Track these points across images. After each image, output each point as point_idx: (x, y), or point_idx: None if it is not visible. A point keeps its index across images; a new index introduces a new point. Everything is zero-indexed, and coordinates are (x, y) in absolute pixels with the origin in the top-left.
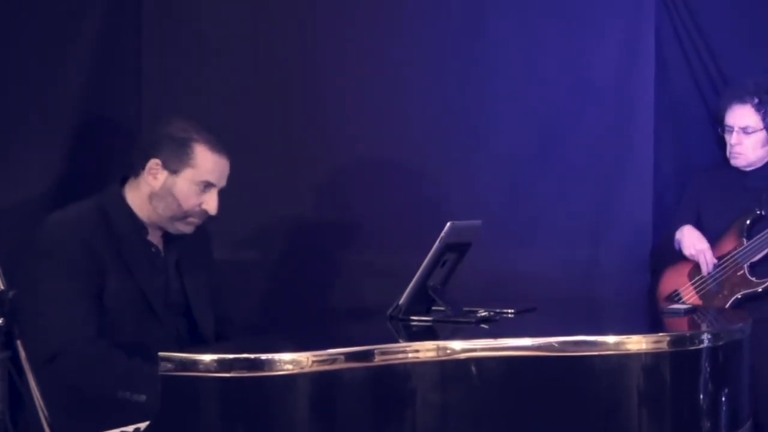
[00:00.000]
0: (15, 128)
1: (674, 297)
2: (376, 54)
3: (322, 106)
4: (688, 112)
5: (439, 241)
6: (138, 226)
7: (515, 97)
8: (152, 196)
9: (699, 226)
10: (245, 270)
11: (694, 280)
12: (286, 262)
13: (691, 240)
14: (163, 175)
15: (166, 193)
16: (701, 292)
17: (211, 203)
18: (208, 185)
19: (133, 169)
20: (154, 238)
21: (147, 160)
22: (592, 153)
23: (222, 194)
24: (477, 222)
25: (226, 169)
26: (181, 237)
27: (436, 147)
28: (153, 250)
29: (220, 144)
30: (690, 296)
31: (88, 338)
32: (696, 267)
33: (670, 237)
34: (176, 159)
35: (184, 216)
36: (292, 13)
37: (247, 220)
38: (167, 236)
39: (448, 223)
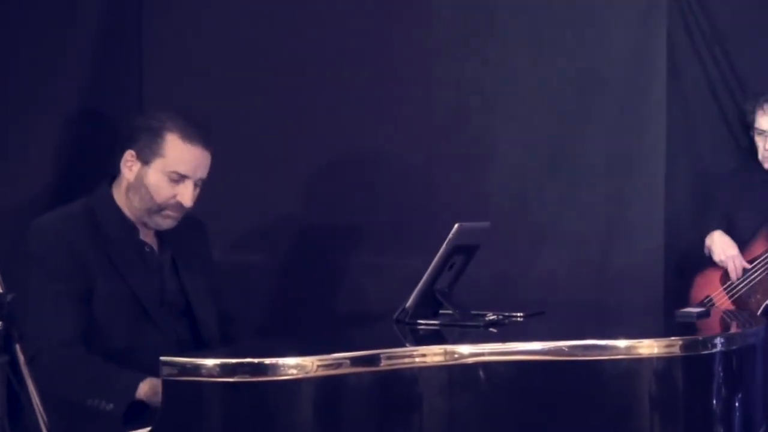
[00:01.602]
0: (14, 128)
1: (706, 302)
2: (383, 53)
3: (329, 107)
4: (701, 111)
5: (447, 243)
6: (128, 225)
7: (524, 96)
8: (129, 189)
9: (730, 229)
10: (249, 272)
11: (725, 285)
12: (291, 264)
13: (721, 246)
14: (137, 167)
15: (140, 184)
16: (733, 297)
17: (185, 195)
18: (180, 176)
19: (116, 166)
20: (147, 236)
21: (123, 152)
22: (603, 153)
23: (226, 195)
24: (485, 223)
25: (201, 160)
26: (176, 234)
27: (444, 147)
28: (147, 249)
29: (195, 134)
30: (722, 301)
31: (64, 343)
32: (727, 272)
33: (702, 239)
34: (148, 149)
35: (159, 209)
36: (297, 9)
37: (251, 221)
38: (161, 234)
39: (456, 225)
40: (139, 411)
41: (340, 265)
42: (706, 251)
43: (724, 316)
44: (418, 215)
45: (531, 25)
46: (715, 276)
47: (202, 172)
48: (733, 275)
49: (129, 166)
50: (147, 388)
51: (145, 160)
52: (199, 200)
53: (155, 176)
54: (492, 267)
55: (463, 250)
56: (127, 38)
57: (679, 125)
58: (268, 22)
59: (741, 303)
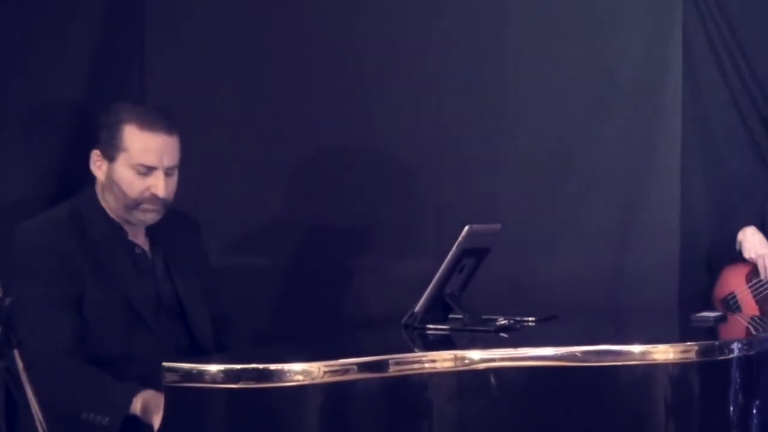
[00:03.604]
0: (13, 128)
1: (730, 299)
2: (390, 51)
3: (334, 106)
4: (717, 111)
5: (457, 245)
6: (116, 227)
7: (536, 96)
8: (103, 189)
9: (764, 228)
10: (253, 276)
11: (752, 283)
12: (296, 268)
13: (752, 243)
14: (104, 165)
15: (111, 183)
16: (759, 296)
17: (157, 186)
18: (147, 168)
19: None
20: (138, 238)
21: (91, 153)
22: (617, 154)
23: (230, 196)
24: (496, 226)
25: (165, 147)
26: (167, 233)
27: (454, 147)
28: (138, 251)
29: (154, 120)
30: (746, 299)
31: (59, 352)
32: (755, 269)
33: (732, 234)
34: (110, 145)
35: (135, 204)
36: (303, 7)
37: (255, 224)
38: (152, 235)
39: (466, 227)
40: (137, 423)
41: (347, 268)
42: (737, 246)
43: (741, 320)
44: (427, 217)
45: (545, 23)
46: (741, 272)
47: (170, 160)
48: (763, 274)
49: (98, 166)
50: (141, 404)
51: (110, 157)
52: (201, 202)
53: (123, 171)
54: (503, 270)
55: (474, 253)
56: (129, 38)
57: (695, 126)
58: (273, 19)
59: (766, 302)
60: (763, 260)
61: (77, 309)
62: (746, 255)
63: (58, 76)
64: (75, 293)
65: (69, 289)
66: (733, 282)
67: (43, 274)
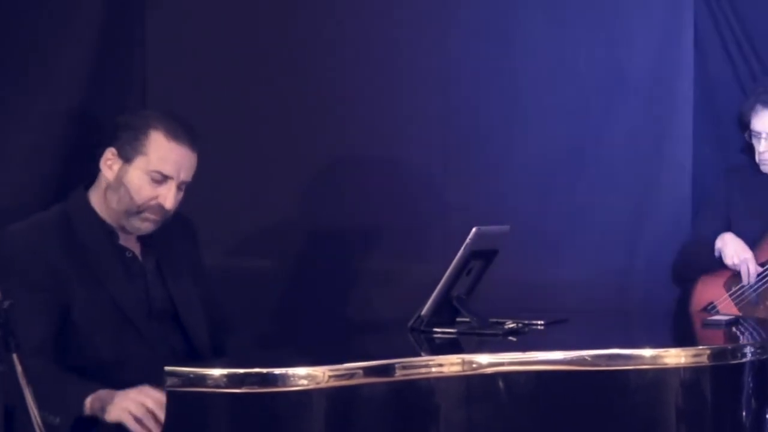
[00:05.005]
0: (13, 128)
1: (710, 309)
2: (397, 51)
3: (339, 107)
4: (729, 110)
5: (464, 247)
6: (106, 230)
7: (546, 95)
8: (107, 189)
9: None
10: (257, 279)
11: (732, 291)
12: (300, 270)
13: (734, 249)
14: (117, 165)
15: (119, 184)
16: (740, 304)
17: (167, 197)
18: (162, 177)
19: (97, 167)
20: (129, 242)
21: (104, 150)
22: (628, 154)
23: (234, 198)
24: (504, 227)
25: (186, 161)
26: (160, 236)
27: (461, 148)
28: (128, 255)
29: (181, 132)
30: (727, 308)
31: (25, 353)
32: (733, 276)
33: (700, 243)
34: (130, 147)
35: (137, 210)
36: (309, 9)
37: (258, 226)
38: (144, 237)
39: (474, 229)
40: (95, 424)
41: (352, 270)
42: (716, 253)
43: (753, 323)
44: (435, 218)
45: (555, 20)
46: (719, 281)
47: (186, 174)
48: (745, 279)
49: (109, 164)
50: (91, 403)
51: (126, 157)
52: (205, 203)
53: (136, 175)
54: (511, 273)
55: (482, 255)
56: (129, 39)
57: (707, 125)
58: (277, 20)
59: (748, 310)
60: (746, 264)
61: (59, 314)
62: (728, 261)
63: (59, 78)
64: (59, 298)
65: (53, 294)
66: (712, 291)
67: (28, 278)
